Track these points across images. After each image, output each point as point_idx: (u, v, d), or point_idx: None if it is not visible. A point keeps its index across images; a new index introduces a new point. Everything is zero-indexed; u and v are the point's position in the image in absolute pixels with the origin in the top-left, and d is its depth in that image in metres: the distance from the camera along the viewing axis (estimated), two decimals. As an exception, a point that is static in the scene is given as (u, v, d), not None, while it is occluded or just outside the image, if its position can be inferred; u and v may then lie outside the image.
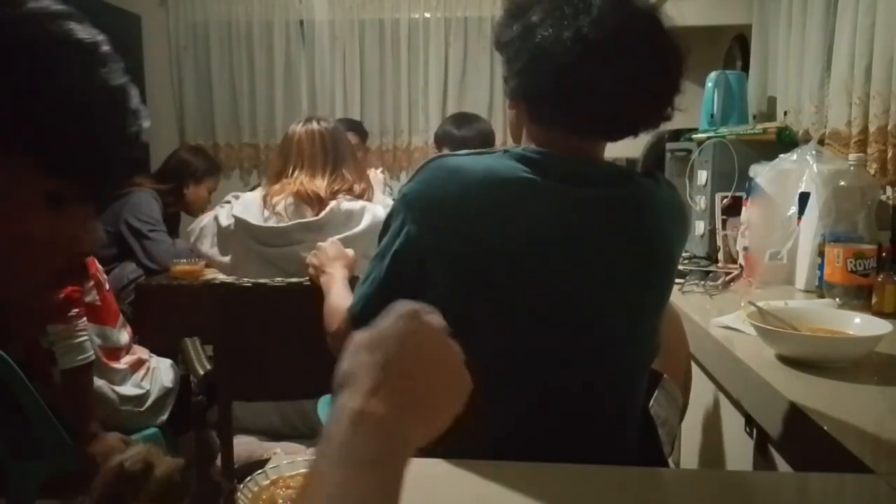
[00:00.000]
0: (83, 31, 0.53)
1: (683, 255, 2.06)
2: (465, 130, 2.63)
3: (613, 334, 1.03)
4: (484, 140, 2.59)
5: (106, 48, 0.54)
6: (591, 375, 1.03)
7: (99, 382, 1.89)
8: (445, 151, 2.39)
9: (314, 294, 1.48)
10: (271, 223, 1.84)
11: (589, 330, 1.01)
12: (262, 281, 1.64)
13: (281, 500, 0.66)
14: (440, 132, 2.73)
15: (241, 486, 0.66)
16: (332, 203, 1.83)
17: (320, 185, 1.86)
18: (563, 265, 0.99)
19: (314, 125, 1.93)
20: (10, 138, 0.49)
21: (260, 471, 0.68)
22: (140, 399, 2.00)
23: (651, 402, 1.20)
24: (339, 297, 1.32)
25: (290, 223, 1.82)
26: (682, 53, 1.01)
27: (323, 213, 1.82)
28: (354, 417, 0.48)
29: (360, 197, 1.90)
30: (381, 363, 0.51)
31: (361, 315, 1.11)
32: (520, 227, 0.98)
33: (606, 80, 0.96)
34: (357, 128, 3.41)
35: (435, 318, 0.55)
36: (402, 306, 0.55)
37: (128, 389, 1.98)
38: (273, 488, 0.68)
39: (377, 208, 1.87)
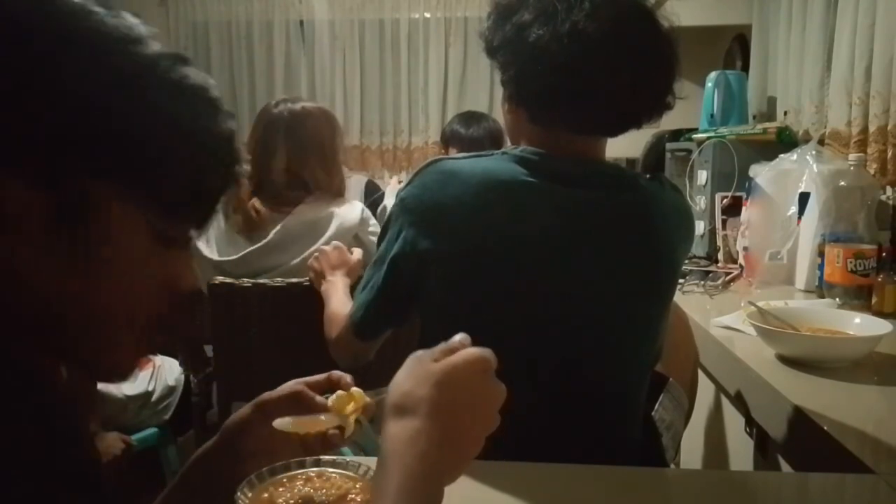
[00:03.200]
0: (197, 76, 0.54)
1: (683, 255, 2.06)
2: (473, 130, 2.53)
3: (614, 337, 1.02)
4: (493, 139, 2.53)
5: (216, 92, 0.55)
6: (591, 379, 1.02)
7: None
8: (453, 151, 2.39)
9: (314, 294, 1.48)
10: (228, 254, 1.69)
11: (589, 332, 1.01)
12: (262, 281, 1.64)
13: (282, 500, 0.66)
14: (448, 131, 2.60)
15: (241, 485, 0.66)
16: (290, 215, 1.68)
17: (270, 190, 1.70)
18: (562, 268, 0.98)
19: (274, 108, 1.75)
20: (133, 181, 0.50)
21: (260, 471, 0.68)
22: (145, 398, 2.01)
23: (656, 405, 1.20)
24: (340, 305, 1.31)
25: (241, 253, 1.68)
26: (675, 38, 1.00)
27: (273, 234, 1.67)
28: (422, 458, 0.52)
29: (335, 196, 1.76)
30: (448, 409, 0.55)
31: (361, 322, 1.11)
32: (518, 230, 0.97)
33: (606, 73, 0.95)
34: None
35: (498, 380, 0.59)
36: (479, 354, 0.58)
37: (133, 388, 1.98)
38: (273, 488, 0.67)
39: (348, 213, 1.74)
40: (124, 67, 0.50)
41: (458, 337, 0.60)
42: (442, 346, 0.60)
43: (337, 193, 1.78)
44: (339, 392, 0.71)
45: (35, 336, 0.51)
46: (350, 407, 0.69)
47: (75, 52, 0.48)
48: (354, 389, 0.71)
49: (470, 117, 2.65)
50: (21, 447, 0.46)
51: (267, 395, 0.72)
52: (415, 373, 0.57)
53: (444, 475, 0.54)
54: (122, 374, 0.57)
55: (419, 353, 0.59)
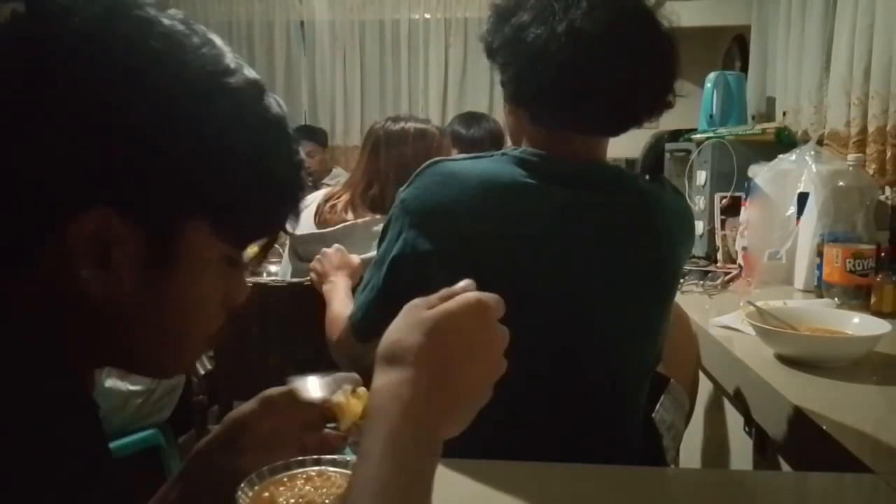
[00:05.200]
0: (275, 105, 0.56)
1: (683, 255, 2.06)
2: (474, 130, 2.54)
3: (614, 338, 1.02)
4: (494, 140, 2.53)
5: (287, 122, 0.57)
6: (590, 379, 1.02)
7: (111, 375, 1.90)
8: (454, 152, 2.39)
9: (314, 294, 1.48)
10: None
11: (589, 333, 1.01)
12: (262, 281, 1.64)
13: (282, 500, 0.66)
14: (448, 132, 2.58)
15: (241, 485, 0.66)
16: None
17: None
18: (562, 269, 0.98)
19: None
20: (218, 214, 0.52)
21: (260, 470, 0.68)
22: (147, 394, 2.02)
23: (657, 406, 1.20)
24: (341, 306, 1.31)
25: (308, 231, 1.74)
26: (675, 35, 1.00)
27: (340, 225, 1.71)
28: (407, 408, 0.50)
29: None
30: (438, 355, 0.52)
31: (361, 323, 1.11)
32: (518, 231, 0.97)
33: (606, 72, 0.95)
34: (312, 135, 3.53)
35: (500, 324, 0.58)
36: (477, 299, 0.56)
37: (137, 383, 1.99)
38: (273, 488, 0.67)
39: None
40: (219, 103, 0.51)
41: (462, 283, 0.58)
42: (442, 291, 0.57)
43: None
44: (347, 393, 0.70)
45: (101, 346, 0.52)
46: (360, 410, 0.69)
47: (176, 89, 0.49)
48: (361, 390, 0.71)
49: (470, 118, 2.65)
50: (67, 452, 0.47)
51: (271, 390, 0.72)
52: (406, 321, 0.54)
53: (435, 427, 0.52)
54: (172, 376, 0.60)
55: (415, 300, 0.56)
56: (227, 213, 0.52)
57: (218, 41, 0.54)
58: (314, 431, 0.71)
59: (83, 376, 0.54)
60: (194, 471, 0.71)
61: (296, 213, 0.59)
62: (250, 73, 0.54)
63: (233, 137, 0.51)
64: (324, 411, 0.68)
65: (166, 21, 0.51)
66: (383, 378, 0.52)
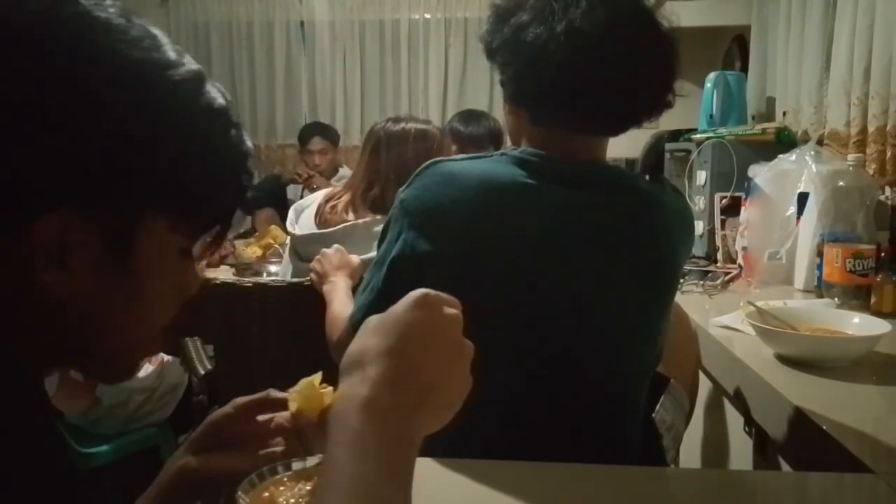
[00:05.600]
0: (220, 95, 0.56)
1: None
2: (473, 128, 2.53)
3: (614, 338, 1.02)
4: (493, 138, 2.52)
5: (232, 111, 0.57)
6: (590, 379, 1.02)
7: None
8: (453, 149, 2.39)
9: (314, 294, 1.48)
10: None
11: (589, 333, 1.01)
12: (262, 281, 1.65)
13: (282, 500, 0.66)
14: (447, 129, 2.59)
15: (242, 485, 0.66)
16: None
17: None
18: (562, 270, 0.98)
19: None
20: (172, 206, 0.52)
21: (260, 470, 0.68)
22: (150, 392, 2.02)
23: (657, 407, 1.20)
24: (342, 307, 1.31)
25: (309, 231, 1.74)
26: (674, 35, 1.00)
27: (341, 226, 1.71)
28: (366, 405, 0.49)
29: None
30: (392, 349, 0.51)
31: (361, 324, 1.11)
32: (518, 232, 0.97)
33: (605, 72, 0.95)
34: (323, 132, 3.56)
35: (450, 308, 0.56)
36: (418, 293, 0.55)
37: (140, 381, 2.00)
38: (273, 488, 0.67)
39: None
40: (163, 96, 0.51)
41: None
42: None
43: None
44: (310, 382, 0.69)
45: (59, 345, 0.52)
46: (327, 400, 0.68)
47: (122, 86, 0.49)
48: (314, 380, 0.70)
49: (469, 115, 2.66)
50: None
51: (243, 398, 0.72)
52: (358, 334, 0.54)
53: (405, 421, 0.50)
54: (129, 375, 0.59)
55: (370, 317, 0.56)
56: (181, 205, 0.53)
57: (158, 33, 0.53)
58: (286, 433, 0.69)
59: (38, 378, 0.54)
60: (171, 477, 0.70)
61: (245, 201, 0.59)
62: (192, 63, 0.54)
63: (182, 130, 0.51)
64: (290, 409, 0.67)
65: (103, 15, 0.50)
66: (343, 386, 0.52)
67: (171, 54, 0.53)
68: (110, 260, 0.50)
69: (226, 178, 0.56)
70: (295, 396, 0.66)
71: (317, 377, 0.66)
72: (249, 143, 0.59)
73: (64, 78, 0.47)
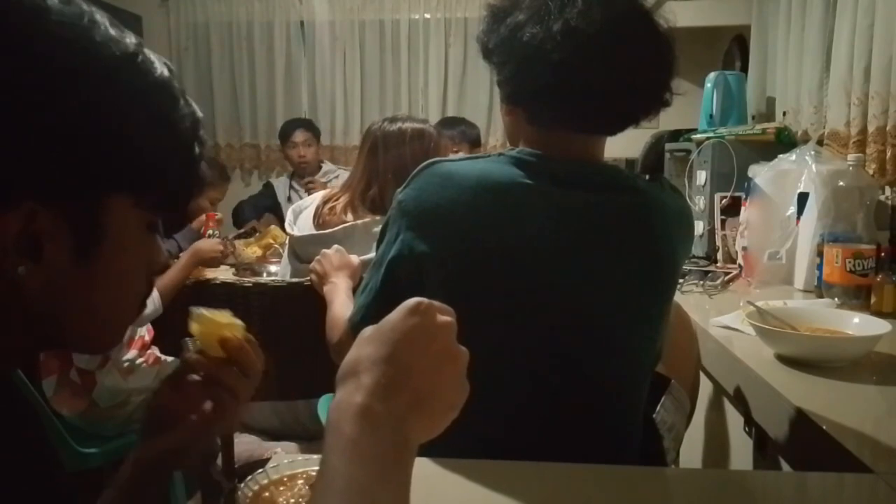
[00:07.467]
0: (162, 67, 0.56)
1: (682, 255, 2.06)
2: (450, 132, 2.62)
3: (613, 338, 1.02)
4: (469, 142, 2.60)
5: (176, 81, 0.57)
6: (590, 380, 1.02)
7: (116, 370, 1.91)
8: (451, 152, 2.41)
9: (314, 294, 1.48)
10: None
11: (588, 333, 1.01)
12: (262, 281, 1.64)
13: (282, 500, 0.66)
14: None
15: (241, 485, 0.66)
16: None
17: None
18: (561, 270, 0.98)
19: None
20: (136, 183, 0.53)
21: (260, 470, 0.68)
22: (147, 392, 2.02)
23: (658, 407, 1.20)
24: (342, 308, 1.30)
25: (308, 232, 1.75)
26: (671, 35, 1.00)
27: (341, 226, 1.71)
28: (360, 413, 0.49)
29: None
30: (386, 357, 0.52)
31: (361, 325, 1.10)
32: (515, 232, 0.97)
33: (602, 71, 0.94)
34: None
35: (444, 316, 0.56)
36: (412, 301, 0.55)
37: (138, 381, 1.99)
38: (273, 488, 0.68)
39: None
40: (105, 76, 0.51)
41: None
42: None
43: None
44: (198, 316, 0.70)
45: (33, 332, 0.53)
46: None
47: (71, 69, 0.49)
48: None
49: (451, 120, 2.74)
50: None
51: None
52: (354, 344, 0.55)
53: (399, 426, 0.50)
54: (113, 345, 0.60)
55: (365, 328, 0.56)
56: (141, 181, 0.54)
57: (93, 9, 0.53)
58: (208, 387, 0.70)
59: (13, 368, 0.55)
60: (126, 471, 0.69)
61: (199, 168, 0.60)
62: (131, 38, 0.54)
63: (130, 108, 0.52)
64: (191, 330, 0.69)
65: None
66: (337, 395, 0.51)
67: (111, 31, 0.53)
68: (81, 246, 0.51)
69: (179, 147, 0.57)
70: (194, 318, 0.69)
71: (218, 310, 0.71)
72: (198, 111, 0.60)
73: (12, 66, 0.47)
